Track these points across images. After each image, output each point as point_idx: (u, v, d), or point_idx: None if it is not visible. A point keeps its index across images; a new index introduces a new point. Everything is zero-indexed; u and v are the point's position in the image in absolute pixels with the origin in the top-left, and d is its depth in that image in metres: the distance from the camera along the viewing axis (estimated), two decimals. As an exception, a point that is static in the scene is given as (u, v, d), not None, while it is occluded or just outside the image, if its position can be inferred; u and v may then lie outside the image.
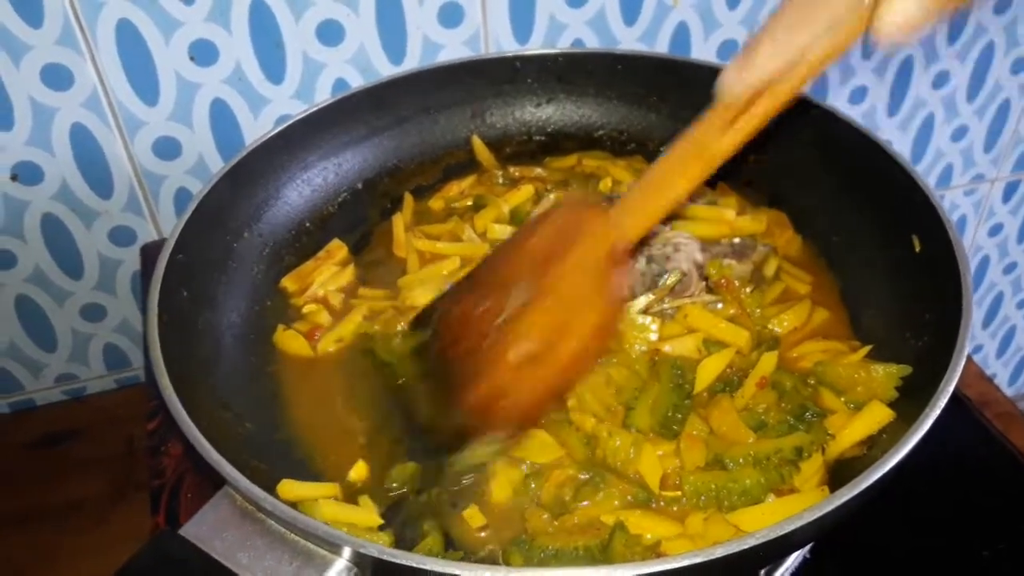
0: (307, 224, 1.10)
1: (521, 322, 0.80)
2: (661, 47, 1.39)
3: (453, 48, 1.30)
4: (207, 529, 0.65)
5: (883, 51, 1.41)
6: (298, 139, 1.09)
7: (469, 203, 1.15)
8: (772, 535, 0.62)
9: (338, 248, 1.08)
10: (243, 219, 1.03)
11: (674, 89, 1.20)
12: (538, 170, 1.20)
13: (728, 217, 1.05)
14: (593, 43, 1.35)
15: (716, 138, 0.73)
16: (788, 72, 0.68)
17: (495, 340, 0.81)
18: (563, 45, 1.34)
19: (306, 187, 1.11)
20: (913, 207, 0.92)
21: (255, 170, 1.04)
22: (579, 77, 1.23)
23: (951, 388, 0.74)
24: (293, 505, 0.67)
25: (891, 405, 0.83)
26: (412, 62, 1.29)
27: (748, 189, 1.14)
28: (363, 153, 1.17)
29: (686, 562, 0.60)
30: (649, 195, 0.79)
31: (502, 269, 0.88)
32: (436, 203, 1.17)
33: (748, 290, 0.98)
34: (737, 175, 1.14)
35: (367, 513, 0.77)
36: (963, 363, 0.76)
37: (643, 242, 1.02)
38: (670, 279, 0.96)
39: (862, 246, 1.02)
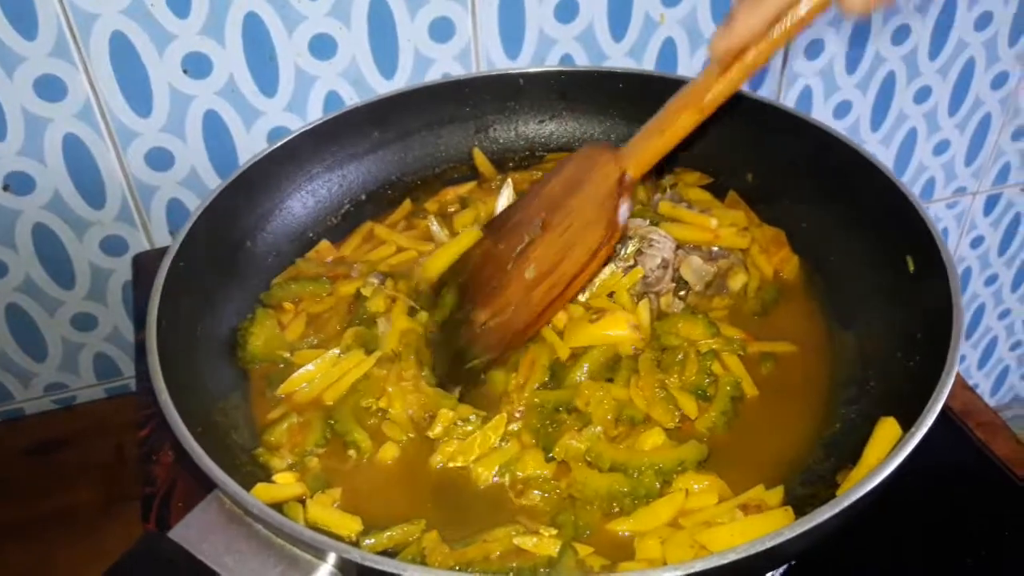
0: (310, 235, 1.12)
1: (536, 247, 0.97)
2: (648, 62, 1.41)
3: (444, 63, 1.31)
4: (195, 532, 0.66)
5: (848, 19, 1.45)
6: (303, 151, 1.11)
7: (455, 208, 1.18)
8: (749, 552, 0.63)
9: (327, 249, 1.10)
10: (246, 228, 1.04)
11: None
12: (536, 173, 1.22)
13: (711, 225, 1.07)
14: (582, 58, 1.37)
15: (709, 87, 0.86)
16: (766, 33, 0.80)
17: (513, 265, 0.97)
18: (552, 60, 1.36)
19: (310, 198, 1.13)
20: (908, 228, 0.93)
21: (260, 180, 1.05)
22: (581, 94, 1.25)
23: (936, 412, 0.74)
24: (276, 508, 0.68)
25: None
26: (403, 76, 1.30)
27: (760, 206, 1.15)
28: (367, 165, 1.18)
29: None
30: (652, 136, 0.92)
31: (522, 212, 1.02)
32: (431, 206, 1.19)
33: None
34: (741, 192, 1.16)
35: (350, 520, 0.78)
36: (950, 385, 0.76)
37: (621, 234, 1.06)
38: (629, 247, 1.02)
39: (856, 266, 1.03)
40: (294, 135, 1.09)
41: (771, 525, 0.76)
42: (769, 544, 0.64)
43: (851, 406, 0.90)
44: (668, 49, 1.41)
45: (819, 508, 0.67)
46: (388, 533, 0.76)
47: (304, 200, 1.12)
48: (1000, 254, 2.05)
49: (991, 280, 2.10)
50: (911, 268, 0.93)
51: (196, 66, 1.21)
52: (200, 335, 0.91)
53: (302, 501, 0.78)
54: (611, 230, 0.93)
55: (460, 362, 0.96)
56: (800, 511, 0.76)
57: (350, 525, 0.77)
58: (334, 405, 0.90)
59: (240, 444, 0.83)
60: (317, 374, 0.92)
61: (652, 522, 0.80)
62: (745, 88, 1.40)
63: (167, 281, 0.85)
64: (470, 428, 0.87)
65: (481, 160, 1.25)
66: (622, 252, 1.02)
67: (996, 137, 1.79)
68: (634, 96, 1.22)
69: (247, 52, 1.21)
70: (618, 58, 1.39)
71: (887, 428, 0.80)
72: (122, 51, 1.16)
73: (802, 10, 0.78)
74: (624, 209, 0.93)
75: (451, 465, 0.85)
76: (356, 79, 1.29)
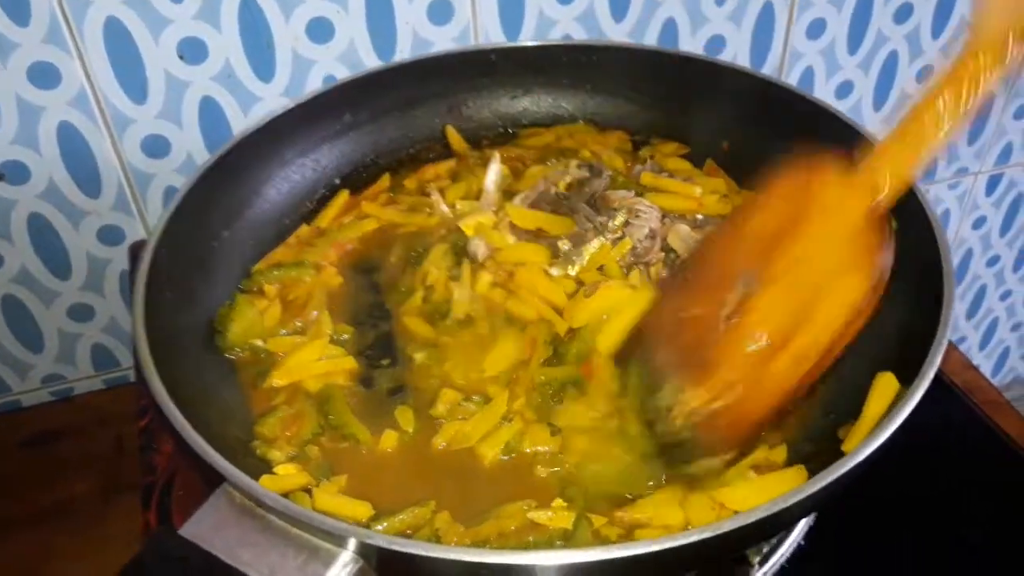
0: (286, 221, 1.09)
1: (752, 312, 0.71)
2: (650, 42, 1.40)
3: (443, 44, 1.30)
4: (207, 528, 0.64)
5: None
6: (275, 136, 1.08)
7: (445, 184, 1.15)
8: (751, 518, 0.63)
9: (306, 232, 1.08)
10: (223, 218, 1.02)
11: (649, 79, 1.20)
12: (515, 150, 1.20)
13: (695, 193, 1.07)
14: (582, 38, 1.36)
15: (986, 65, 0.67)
16: None
17: (726, 332, 0.72)
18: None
19: (284, 184, 1.10)
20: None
21: (232, 169, 1.02)
22: (554, 68, 1.23)
23: (943, 348, 0.74)
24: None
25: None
26: (402, 58, 1.29)
27: (737, 174, 1.14)
28: (340, 148, 1.16)
29: (665, 545, 0.60)
30: (909, 142, 0.72)
31: (718, 261, 0.78)
32: (411, 183, 1.16)
33: None
34: (717, 161, 1.15)
35: (359, 506, 0.77)
36: (951, 319, 0.76)
37: (605, 204, 1.05)
38: (617, 219, 1.00)
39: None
40: (265, 122, 1.06)
41: (789, 481, 0.76)
42: (795, 499, 0.63)
43: (843, 363, 0.88)
44: (669, 28, 1.39)
45: (840, 459, 0.66)
46: (400, 517, 0.75)
47: (278, 187, 1.09)
48: (1002, 235, 2.04)
49: (993, 261, 2.09)
50: (894, 225, 0.93)
51: (192, 51, 1.19)
52: (184, 328, 0.89)
53: (308, 491, 0.77)
54: (872, 279, 0.72)
55: (671, 461, 0.79)
56: (810, 468, 0.76)
57: (360, 511, 0.76)
58: (327, 396, 0.88)
59: (236, 437, 0.82)
60: (307, 362, 0.90)
61: (662, 500, 0.79)
62: (724, 59, 1.42)
63: (150, 276, 0.83)
64: (472, 407, 0.86)
65: (455, 138, 1.22)
66: (610, 224, 1.01)
67: (999, 116, 1.78)
68: (609, 69, 1.21)
69: (243, 37, 1.20)
70: (619, 38, 1.38)
71: (885, 383, 0.80)
72: (117, 37, 1.15)
73: None
74: (886, 249, 0.73)
75: (455, 447, 0.84)
76: (354, 63, 1.27)
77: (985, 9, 0.67)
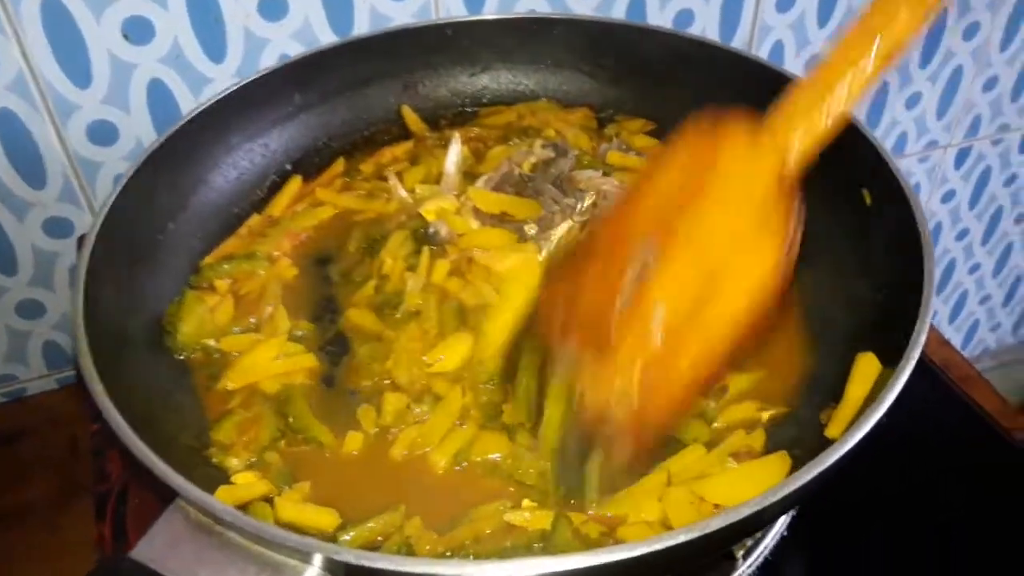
0: (236, 210, 1.04)
1: (657, 283, 0.64)
2: (617, 16, 1.36)
3: (403, 20, 1.24)
4: (161, 546, 0.60)
5: None
6: (218, 121, 1.02)
7: (403, 167, 1.11)
8: (741, 514, 0.60)
9: (258, 222, 1.03)
10: (166, 210, 0.96)
11: (611, 53, 1.17)
12: (476, 129, 1.16)
13: None
14: (545, 11, 1.31)
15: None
16: None
17: (623, 312, 0.64)
18: (517, 16, 1.30)
19: (232, 171, 1.05)
20: (859, 159, 0.89)
21: (174, 158, 0.97)
22: (513, 44, 1.19)
23: (927, 328, 0.72)
24: (242, 510, 0.62)
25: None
26: (353, 35, 1.23)
27: None
28: (290, 132, 1.11)
29: (651, 548, 0.57)
30: (823, 91, 0.65)
31: (617, 226, 0.70)
32: (367, 167, 1.12)
33: None
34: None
35: (325, 514, 0.73)
36: (933, 299, 0.75)
37: (572, 186, 1.02)
38: (586, 201, 0.97)
39: (810, 205, 1.00)
40: (207, 104, 1.00)
41: (772, 471, 0.74)
42: (784, 492, 0.60)
43: (823, 345, 0.88)
44: (637, 2, 1.35)
45: (829, 448, 0.63)
46: (369, 524, 0.71)
47: (225, 174, 1.04)
48: (971, 208, 2.04)
49: (962, 235, 2.09)
50: (868, 201, 0.91)
51: (137, 31, 1.13)
52: (131, 328, 0.84)
53: (269, 499, 0.73)
54: (782, 250, 0.65)
55: (578, 463, 0.73)
56: (793, 455, 0.74)
57: (326, 520, 0.72)
58: (286, 397, 0.83)
59: (190, 446, 0.77)
60: (263, 361, 0.85)
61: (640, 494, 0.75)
62: (691, 32, 1.38)
63: (88, 276, 0.78)
64: (421, 411, 0.81)
65: (411, 118, 1.18)
66: (578, 207, 0.98)
67: (967, 89, 1.76)
68: (572, 43, 1.17)
69: (191, 14, 1.14)
70: (586, 12, 1.33)
71: (866, 363, 0.77)
72: (56, 17, 1.08)
73: None
74: (793, 216, 0.66)
75: (414, 453, 0.79)
76: (310, 41, 1.21)
77: None
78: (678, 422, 0.75)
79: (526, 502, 0.74)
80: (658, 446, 0.73)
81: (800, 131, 0.67)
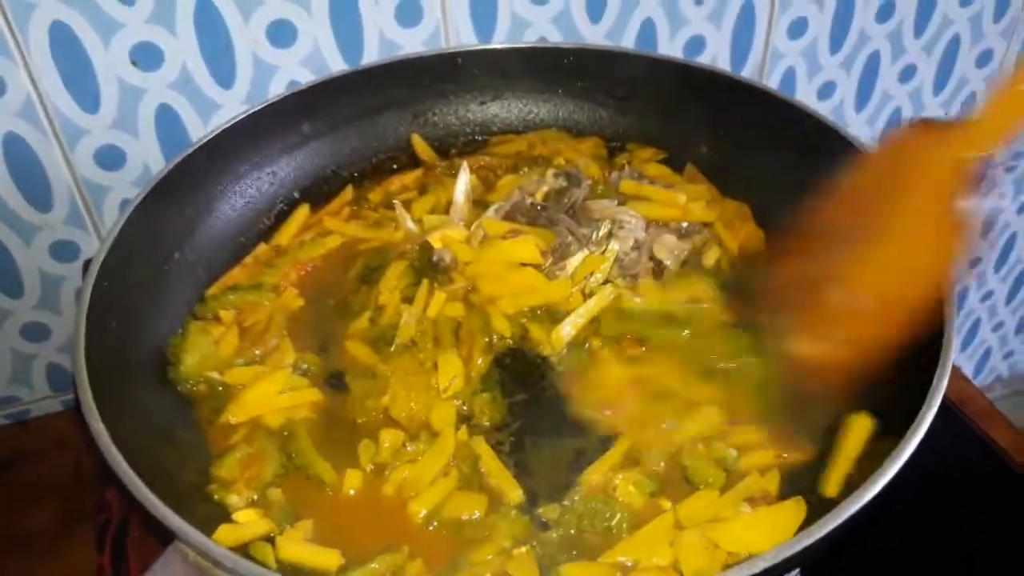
0: (242, 239, 1.04)
1: (854, 277, 0.76)
2: (628, 45, 1.35)
3: (412, 48, 1.24)
4: (158, 592, 0.59)
5: None
6: (226, 150, 1.02)
7: (412, 195, 1.10)
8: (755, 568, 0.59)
9: (264, 252, 1.02)
10: (173, 238, 0.96)
11: (622, 82, 1.17)
12: (485, 158, 1.15)
13: (680, 201, 1.03)
14: (557, 40, 1.31)
15: None
16: None
17: (817, 301, 0.77)
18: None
19: (239, 199, 1.05)
20: None
21: (181, 187, 0.97)
22: (524, 73, 1.19)
23: (940, 395, 0.72)
24: (242, 550, 0.61)
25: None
26: (363, 63, 1.23)
27: (717, 179, 1.11)
28: (298, 159, 1.11)
29: None
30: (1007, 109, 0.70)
31: (818, 223, 0.80)
32: (375, 196, 1.11)
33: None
34: (697, 165, 1.12)
35: (328, 554, 0.71)
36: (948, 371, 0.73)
37: (586, 215, 1.02)
38: (602, 231, 0.97)
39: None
40: (215, 133, 1.00)
41: (788, 518, 0.72)
42: (805, 543, 0.60)
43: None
44: (647, 30, 1.34)
45: (852, 495, 0.64)
46: (372, 565, 0.70)
47: (232, 202, 1.04)
48: (982, 236, 2.02)
49: (974, 262, 2.07)
50: None
51: (146, 57, 1.12)
52: (133, 360, 0.83)
53: (271, 539, 0.71)
54: (951, 231, 0.72)
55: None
56: (808, 500, 0.73)
57: (328, 560, 0.71)
58: (289, 433, 0.82)
59: (192, 482, 0.76)
60: (267, 395, 0.84)
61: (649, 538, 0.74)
62: (702, 59, 1.38)
63: (92, 305, 0.78)
64: (420, 448, 0.80)
65: (421, 147, 1.17)
66: (594, 236, 0.98)
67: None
68: (582, 72, 1.17)
69: (200, 41, 1.13)
70: (596, 41, 1.33)
71: (860, 425, 0.78)
72: (64, 42, 1.08)
73: None
74: (970, 202, 0.71)
75: (405, 495, 0.78)
76: (320, 67, 1.21)
77: None
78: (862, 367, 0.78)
79: (517, 551, 0.73)
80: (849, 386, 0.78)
81: (981, 133, 0.71)
